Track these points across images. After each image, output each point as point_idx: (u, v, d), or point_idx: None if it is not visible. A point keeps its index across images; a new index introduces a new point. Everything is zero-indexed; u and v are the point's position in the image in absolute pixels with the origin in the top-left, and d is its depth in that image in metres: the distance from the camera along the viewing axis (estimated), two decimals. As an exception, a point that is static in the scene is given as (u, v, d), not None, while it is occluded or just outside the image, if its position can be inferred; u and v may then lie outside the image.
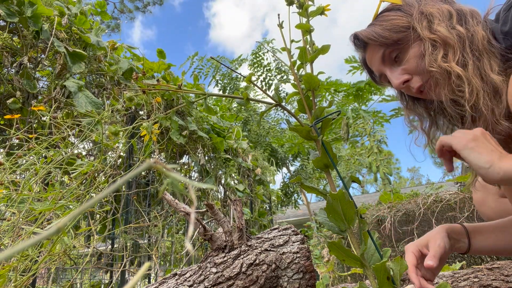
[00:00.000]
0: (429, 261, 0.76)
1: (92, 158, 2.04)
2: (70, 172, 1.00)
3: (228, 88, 7.67)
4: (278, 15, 0.80)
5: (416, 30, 0.85)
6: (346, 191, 0.70)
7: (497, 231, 0.93)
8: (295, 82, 0.80)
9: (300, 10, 0.80)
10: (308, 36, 0.80)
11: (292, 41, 0.80)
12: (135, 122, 1.06)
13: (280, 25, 0.80)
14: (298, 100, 0.80)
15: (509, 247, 0.90)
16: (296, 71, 0.80)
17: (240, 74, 0.85)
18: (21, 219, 0.91)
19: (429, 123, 0.98)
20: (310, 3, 0.80)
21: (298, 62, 0.80)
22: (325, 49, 0.77)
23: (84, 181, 1.05)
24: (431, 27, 0.83)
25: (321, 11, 0.80)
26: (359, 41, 0.93)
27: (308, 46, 0.79)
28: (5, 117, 1.14)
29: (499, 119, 0.76)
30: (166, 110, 2.28)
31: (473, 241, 0.90)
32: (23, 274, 0.92)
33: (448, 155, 0.75)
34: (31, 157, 1.01)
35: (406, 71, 0.88)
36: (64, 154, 1.07)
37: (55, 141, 1.11)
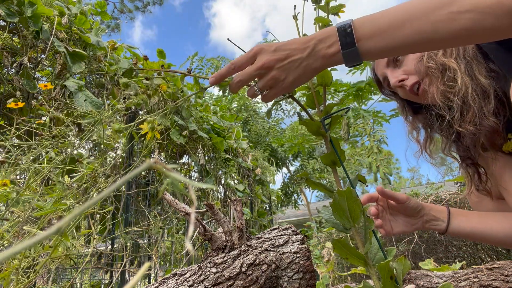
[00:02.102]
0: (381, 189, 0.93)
1: (92, 158, 2.04)
2: (71, 175, 1.01)
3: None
4: (295, 6, 0.78)
5: None
6: (353, 189, 0.70)
7: (481, 216, 0.97)
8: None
9: (316, 5, 0.79)
10: None
11: (304, 35, 0.78)
12: (137, 119, 1.06)
13: (295, 17, 0.78)
14: (308, 94, 0.79)
15: (486, 231, 0.94)
16: None
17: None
18: (21, 219, 0.91)
19: (424, 136, 1.08)
20: None
21: None
22: None
23: (86, 182, 1.05)
24: None
25: (339, 10, 0.79)
26: None
27: None
28: (7, 105, 1.14)
29: (487, 115, 0.83)
30: (166, 109, 2.28)
31: (453, 221, 0.96)
32: (25, 273, 0.92)
33: None
34: (31, 157, 1.01)
35: (404, 72, 0.97)
36: (64, 154, 1.07)
37: (56, 141, 1.11)
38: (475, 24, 0.57)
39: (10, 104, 1.11)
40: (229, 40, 0.84)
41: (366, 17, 0.64)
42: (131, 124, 0.96)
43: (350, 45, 0.61)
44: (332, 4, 0.79)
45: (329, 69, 0.75)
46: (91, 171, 1.02)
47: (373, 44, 0.62)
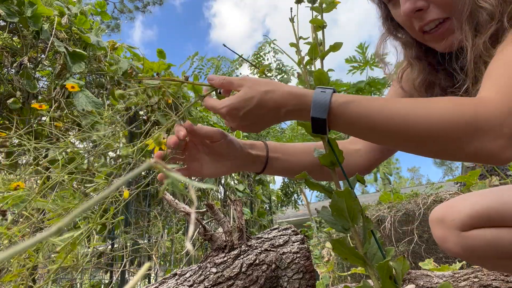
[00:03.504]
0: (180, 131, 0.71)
1: (92, 158, 2.04)
2: (72, 171, 1.01)
3: (228, 88, 7.65)
4: (291, 8, 0.79)
5: None
6: (351, 189, 0.70)
7: (294, 148, 0.89)
8: (304, 79, 0.78)
9: (311, 5, 0.78)
10: (320, 32, 0.77)
11: (300, 37, 0.78)
12: (146, 126, 1.06)
13: (292, 20, 0.79)
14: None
15: (295, 166, 0.87)
16: (304, 67, 0.78)
17: (250, 62, 0.85)
18: (34, 223, 0.91)
19: (415, 54, 0.85)
20: None
21: (307, 58, 0.78)
22: (337, 46, 0.75)
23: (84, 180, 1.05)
24: None
25: (333, 5, 0.79)
26: None
27: (319, 42, 0.77)
28: (10, 114, 1.14)
29: None
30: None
31: (271, 162, 0.85)
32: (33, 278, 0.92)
33: None
34: (31, 157, 1.02)
35: None
36: (64, 154, 1.07)
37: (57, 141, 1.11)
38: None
39: (13, 105, 1.11)
40: (225, 45, 0.85)
41: (344, 106, 0.63)
42: (137, 142, 0.96)
43: (321, 131, 0.65)
44: (324, 5, 0.79)
45: (325, 70, 0.75)
46: (106, 181, 1.02)
47: (338, 130, 0.67)
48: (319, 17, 0.78)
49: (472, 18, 0.68)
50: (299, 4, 0.79)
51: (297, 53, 0.79)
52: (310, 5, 0.79)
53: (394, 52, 0.90)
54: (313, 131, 0.65)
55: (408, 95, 0.89)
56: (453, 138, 0.58)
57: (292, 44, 0.79)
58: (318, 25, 0.76)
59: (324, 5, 0.77)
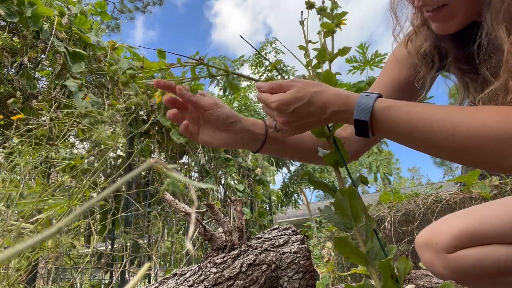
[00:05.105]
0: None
1: (92, 158, 2.04)
2: (56, 165, 1.00)
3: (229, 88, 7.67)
4: (301, 12, 0.81)
5: None
6: (355, 188, 0.70)
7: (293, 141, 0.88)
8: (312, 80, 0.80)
9: (321, 13, 0.80)
10: (327, 36, 0.80)
11: (309, 41, 0.81)
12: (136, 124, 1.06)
13: (302, 23, 0.81)
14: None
15: (292, 150, 0.88)
16: (311, 69, 0.80)
17: (253, 79, 0.85)
18: (18, 219, 0.91)
19: (420, 19, 0.80)
20: (337, 3, 0.80)
21: (314, 61, 0.80)
22: (345, 50, 0.78)
23: (75, 175, 1.05)
24: None
25: (342, 16, 0.80)
26: None
27: (329, 46, 0.79)
28: (12, 118, 1.14)
29: None
30: (167, 109, 2.28)
31: (269, 142, 0.84)
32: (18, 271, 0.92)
33: None
34: (28, 157, 1.01)
35: None
36: (64, 153, 1.07)
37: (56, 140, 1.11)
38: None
39: (14, 117, 1.11)
40: (241, 36, 0.88)
41: (386, 110, 0.63)
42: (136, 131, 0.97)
43: (364, 134, 0.65)
44: (335, 11, 0.80)
45: (332, 71, 0.77)
46: (81, 163, 1.02)
47: (381, 135, 0.67)
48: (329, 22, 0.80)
49: (508, 15, 0.62)
50: (310, 10, 0.81)
51: (306, 56, 0.81)
52: (320, 12, 0.81)
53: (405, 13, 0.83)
54: (356, 133, 0.65)
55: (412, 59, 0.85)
56: (492, 152, 0.56)
57: (301, 47, 0.81)
58: (328, 30, 0.78)
59: (334, 12, 0.79)
